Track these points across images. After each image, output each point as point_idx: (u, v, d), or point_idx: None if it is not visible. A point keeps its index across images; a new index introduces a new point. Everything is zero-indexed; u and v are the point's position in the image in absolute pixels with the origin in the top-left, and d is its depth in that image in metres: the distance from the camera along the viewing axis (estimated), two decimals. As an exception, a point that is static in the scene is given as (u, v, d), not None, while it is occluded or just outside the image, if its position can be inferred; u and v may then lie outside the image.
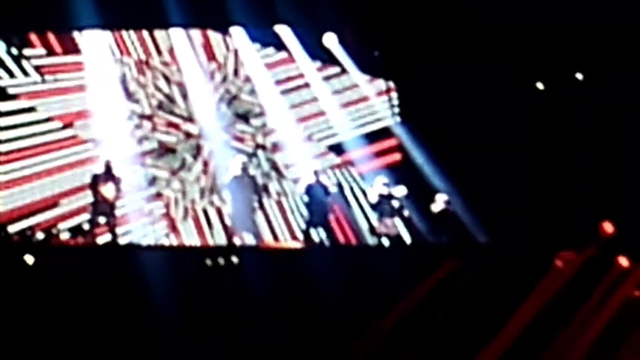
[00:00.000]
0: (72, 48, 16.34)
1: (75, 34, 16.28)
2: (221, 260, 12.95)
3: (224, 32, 16.38)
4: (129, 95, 16.40)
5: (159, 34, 16.49)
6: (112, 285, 12.82)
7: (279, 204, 16.35)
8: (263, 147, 16.55)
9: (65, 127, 16.19)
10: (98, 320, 12.67)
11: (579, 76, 14.46)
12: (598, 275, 14.02)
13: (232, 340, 12.68)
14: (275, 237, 16.10)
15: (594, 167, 14.97)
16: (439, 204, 14.83)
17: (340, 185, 16.20)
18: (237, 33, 16.27)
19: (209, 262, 12.88)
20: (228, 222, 15.55)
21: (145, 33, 16.52)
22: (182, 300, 12.32)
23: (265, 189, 16.21)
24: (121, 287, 12.87)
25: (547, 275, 14.24)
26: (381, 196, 14.84)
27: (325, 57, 16.30)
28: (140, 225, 15.70)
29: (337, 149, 16.45)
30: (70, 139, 16.16)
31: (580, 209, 14.80)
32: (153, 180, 16.31)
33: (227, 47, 16.54)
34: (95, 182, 14.38)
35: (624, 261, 14.25)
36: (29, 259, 12.80)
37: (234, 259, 13.04)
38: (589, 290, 13.97)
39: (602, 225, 14.60)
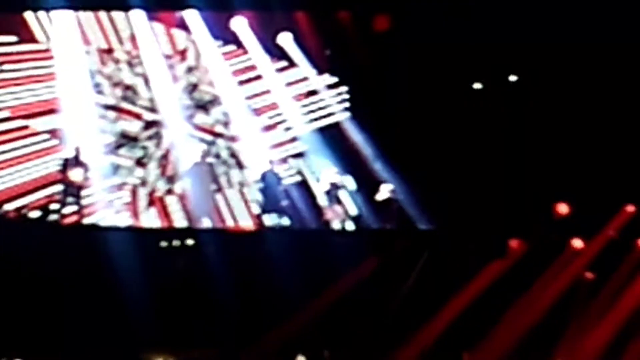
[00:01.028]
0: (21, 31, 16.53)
1: (28, 15, 16.45)
2: (176, 242, 13.89)
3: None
4: (94, 85, 16.75)
5: (119, 20, 16.82)
6: (75, 263, 13.80)
7: (240, 191, 16.94)
8: (222, 136, 17.13)
9: (19, 118, 16.45)
10: (58, 295, 13.73)
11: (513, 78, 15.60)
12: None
13: (183, 320, 13.79)
14: (235, 221, 16.71)
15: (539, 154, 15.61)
16: (383, 193, 15.82)
17: (297, 174, 16.93)
18: (192, 17, 16.79)
19: (164, 243, 13.80)
20: (188, 207, 16.16)
21: (105, 20, 16.82)
22: (137, 279, 13.26)
23: (226, 176, 16.86)
24: (83, 265, 13.85)
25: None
26: (331, 184, 15.89)
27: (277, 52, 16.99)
28: (105, 214, 16.06)
29: (293, 139, 17.16)
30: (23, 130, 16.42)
31: (524, 195, 15.51)
32: (116, 169, 16.68)
33: (188, 36, 17.02)
34: (64, 166, 15.14)
35: (577, 242, 15.37)
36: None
37: (189, 241, 13.98)
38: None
39: (557, 207, 15.61)
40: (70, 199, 15.11)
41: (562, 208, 15.50)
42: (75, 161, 15.13)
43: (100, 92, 16.85)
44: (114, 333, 13.38)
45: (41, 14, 16.47)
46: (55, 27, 16.58)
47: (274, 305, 14.22)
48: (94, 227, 15.39)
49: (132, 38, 16.96)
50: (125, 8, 16.55)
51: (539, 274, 15.02)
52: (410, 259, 15.04)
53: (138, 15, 16.71)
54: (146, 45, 16.85)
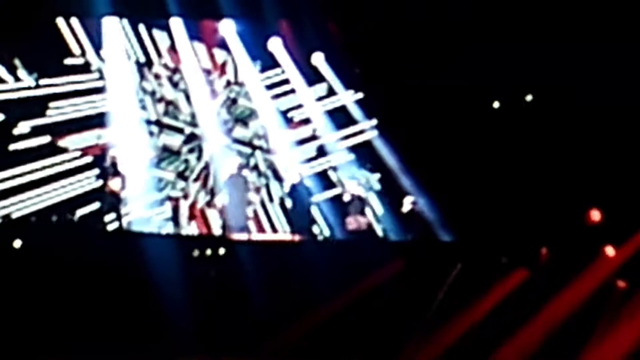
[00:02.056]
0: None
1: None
2: (208, 252, 14.62)
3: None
4: (138, 100, 17.27)
5: (157, 32, 17.47)
6: (111, 267, 13.77)
7: (280, 204, 17.73)
8: (260, 149, 17.93)
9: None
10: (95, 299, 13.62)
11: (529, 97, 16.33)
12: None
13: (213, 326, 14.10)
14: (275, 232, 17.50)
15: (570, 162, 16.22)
16: (407, 205, 16.55)
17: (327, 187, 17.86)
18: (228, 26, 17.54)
19: (196, 252, 14.35)
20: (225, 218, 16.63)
21: (145, 35, 17.43)
22: (170, 286, 13.57)
23: (266, 188, 17.71)
24: (118, 270, 13.78)
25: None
26: (355, 196, 16.63)
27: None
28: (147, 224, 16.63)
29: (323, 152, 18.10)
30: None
31: (556, 205, 15.98)
32: (159, 183, 17.18)
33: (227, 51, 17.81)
34: (104, 176, 15.70)
35: (609, 250, 15.58)
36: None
37: (221, 251, 14.69)
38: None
39: (589, 214, 16.07)
40: (109, 207, 15.58)
41: (595, 215, 15.99)
42: (114, 171, 15.60)
43: (143, 108, 17.43)
44: (146, 339, 13.51)
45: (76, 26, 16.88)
46: (102, 39, 17.03)
47: (302, 312, 14.43)
48: (131, 233, 15.86)
49: (171, 50, 17.56)
50: (166, 16, 17.06)
51: (569, 281, 15.22)
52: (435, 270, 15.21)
53: (177, 27, 17.31)
54: (186, 58, 17.49)
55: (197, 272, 14.24)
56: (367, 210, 16.90)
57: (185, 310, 13.61)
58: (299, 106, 18.08)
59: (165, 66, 17.65)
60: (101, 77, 17.01)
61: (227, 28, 17.58)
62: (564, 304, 14.99)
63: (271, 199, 17.79)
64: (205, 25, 17.72)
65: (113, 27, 17.01)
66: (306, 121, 18.13)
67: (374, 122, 17.98)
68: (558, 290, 15.04)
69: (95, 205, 16.03)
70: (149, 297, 13.70)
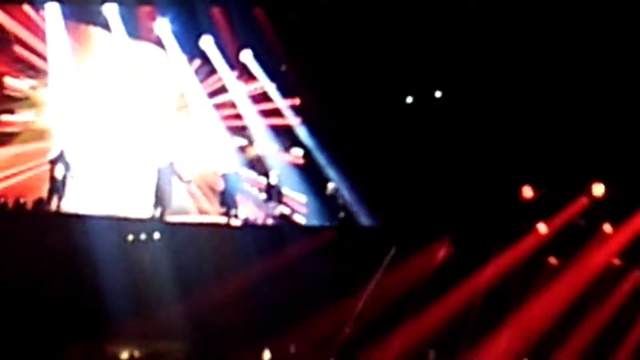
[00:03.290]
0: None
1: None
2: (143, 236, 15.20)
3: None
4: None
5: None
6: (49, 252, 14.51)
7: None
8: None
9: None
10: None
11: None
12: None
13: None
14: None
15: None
16: (329, 190, 17.78)
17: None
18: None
19: (130, 237, 15.07)
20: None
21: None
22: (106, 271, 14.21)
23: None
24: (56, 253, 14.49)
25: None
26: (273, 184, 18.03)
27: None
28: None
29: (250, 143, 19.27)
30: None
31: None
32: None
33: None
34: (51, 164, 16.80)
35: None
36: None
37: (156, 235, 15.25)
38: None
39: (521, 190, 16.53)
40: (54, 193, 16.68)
41: (527, 192, 16.74)
42: (60, 160, 16.79)
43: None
44: (77, 323, 13.86)
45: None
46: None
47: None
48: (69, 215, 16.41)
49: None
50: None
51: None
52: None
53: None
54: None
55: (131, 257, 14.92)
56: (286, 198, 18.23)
57: (118, 296, 14.08)
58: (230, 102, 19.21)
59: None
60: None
61: (163, 26, 18.56)
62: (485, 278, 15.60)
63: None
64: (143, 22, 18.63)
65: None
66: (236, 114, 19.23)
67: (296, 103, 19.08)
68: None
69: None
70: (80, 282, 14.37)
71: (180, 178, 17.19)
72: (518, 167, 16.31)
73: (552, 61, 16.44)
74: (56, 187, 16.78)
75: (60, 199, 16.66)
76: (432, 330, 15.05)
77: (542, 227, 16.45)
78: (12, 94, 18.25)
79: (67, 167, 16.80)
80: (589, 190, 16.62)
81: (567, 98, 16.35)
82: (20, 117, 18.27)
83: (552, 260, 16.19)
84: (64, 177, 16.74)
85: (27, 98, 18.34)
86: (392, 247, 14.76)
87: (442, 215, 16.18)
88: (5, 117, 18.14)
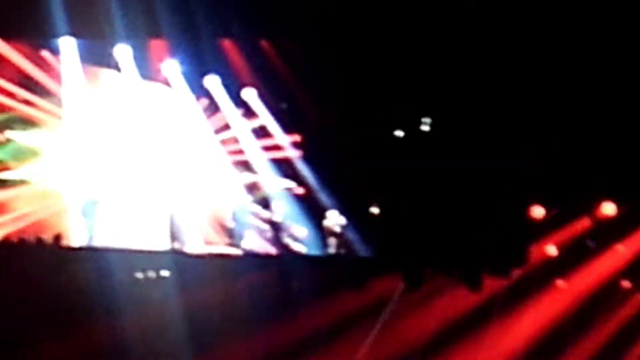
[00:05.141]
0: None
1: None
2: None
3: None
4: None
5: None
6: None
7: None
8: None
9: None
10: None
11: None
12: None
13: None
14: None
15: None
16: (328, 220, 18.70)
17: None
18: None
19: (140, 275, 15.66)
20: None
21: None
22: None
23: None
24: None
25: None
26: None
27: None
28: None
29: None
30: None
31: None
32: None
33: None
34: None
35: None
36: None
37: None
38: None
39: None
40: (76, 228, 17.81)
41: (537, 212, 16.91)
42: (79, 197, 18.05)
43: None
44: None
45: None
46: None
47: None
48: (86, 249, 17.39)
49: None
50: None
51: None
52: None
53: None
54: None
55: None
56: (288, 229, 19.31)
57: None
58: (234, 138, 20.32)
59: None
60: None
61: (172, 67, 19.72)
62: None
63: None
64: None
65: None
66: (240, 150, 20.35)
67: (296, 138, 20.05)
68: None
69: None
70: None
71: (185, 207, 18.02)
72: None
73: (569, 80, 16.79)
74: (77, 223, 17.72)
75: (81, 234, 17.61)
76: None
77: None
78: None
79: (87, 203, 17.84)
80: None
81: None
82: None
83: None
84: (85, 213, 17.74)
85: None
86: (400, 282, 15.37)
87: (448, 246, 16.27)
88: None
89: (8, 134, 19.24)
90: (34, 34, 18.40)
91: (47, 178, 19.13)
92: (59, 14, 17.30)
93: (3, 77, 18.84)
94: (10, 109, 19.18)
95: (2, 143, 19.14)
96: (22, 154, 19.29)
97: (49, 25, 17.22)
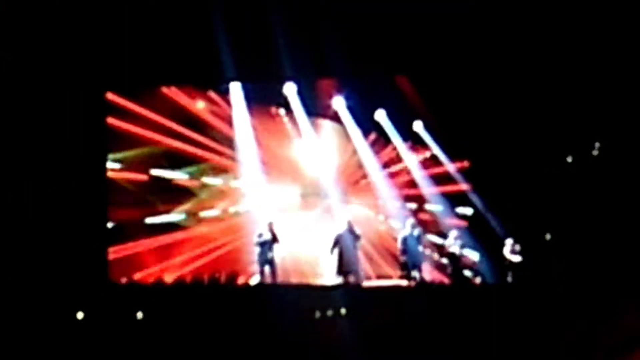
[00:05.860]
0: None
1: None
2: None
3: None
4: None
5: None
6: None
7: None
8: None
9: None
10: None
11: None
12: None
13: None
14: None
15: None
16: (506, 248, 18.28)
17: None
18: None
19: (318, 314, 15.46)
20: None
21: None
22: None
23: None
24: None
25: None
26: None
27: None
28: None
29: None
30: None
31: None
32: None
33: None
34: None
35: None
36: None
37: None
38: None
39: None
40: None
41: None
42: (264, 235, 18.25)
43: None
44: None
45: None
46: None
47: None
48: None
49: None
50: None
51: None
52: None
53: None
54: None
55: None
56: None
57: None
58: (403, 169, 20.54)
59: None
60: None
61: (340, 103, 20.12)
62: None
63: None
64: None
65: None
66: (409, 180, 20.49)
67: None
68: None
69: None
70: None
71: (354, 234, 18.33)
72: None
73: None
74: (264, 260, 18.09)
75: (267, 272, 17.99)
76: None
77: None
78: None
79: (271, 241, 18.19)
80: None
81: None
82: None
83: None
84: (270, 250, 18.11)
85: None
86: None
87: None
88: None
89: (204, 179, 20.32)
90: (203, 80, 19.13)
91: (234, 215, 20.00)
92: (227, 59, 17.90)
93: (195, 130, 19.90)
94: (204, 159, 20.17)
95: (199, 187, 20.31)
96: (215, 196, 20.41)
97: (217, 70, 17.87)
